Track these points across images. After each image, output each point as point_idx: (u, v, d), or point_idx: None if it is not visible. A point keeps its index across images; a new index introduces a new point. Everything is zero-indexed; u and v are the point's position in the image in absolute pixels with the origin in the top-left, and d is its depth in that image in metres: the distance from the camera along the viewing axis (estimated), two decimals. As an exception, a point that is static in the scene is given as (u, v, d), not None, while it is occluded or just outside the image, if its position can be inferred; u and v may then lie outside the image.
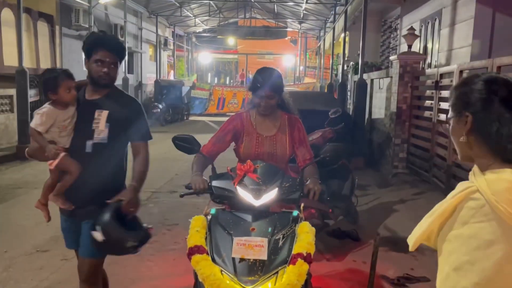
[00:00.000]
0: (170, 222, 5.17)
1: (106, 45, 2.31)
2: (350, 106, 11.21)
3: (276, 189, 2.12)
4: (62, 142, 2.33)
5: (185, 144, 2.38)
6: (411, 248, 1.32)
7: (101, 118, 2.32)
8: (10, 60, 9.61)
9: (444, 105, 5.69)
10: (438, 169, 5.93)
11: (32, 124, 2.31)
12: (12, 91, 9.29)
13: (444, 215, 1.21)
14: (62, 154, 2.30)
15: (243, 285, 1.81)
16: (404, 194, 6.26)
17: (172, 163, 9.19)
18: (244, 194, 2.09)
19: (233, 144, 2.65)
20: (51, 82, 2.32)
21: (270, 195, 2.10)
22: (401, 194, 6.25)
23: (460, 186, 1.20)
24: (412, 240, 1.33)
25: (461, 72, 5.37)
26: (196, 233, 2.02)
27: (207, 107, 21.82)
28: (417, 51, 8.89)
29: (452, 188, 4.44)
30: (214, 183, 2.20)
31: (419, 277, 3.73)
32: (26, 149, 2.40)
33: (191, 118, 20.33)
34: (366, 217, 5.39)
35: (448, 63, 7.48)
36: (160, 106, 17.09)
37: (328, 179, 4.60)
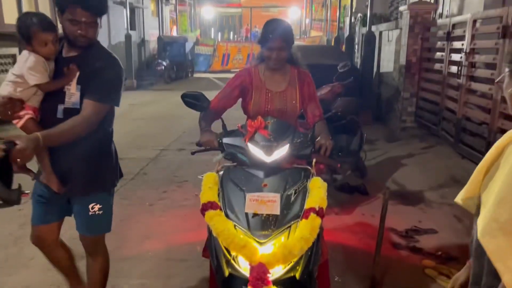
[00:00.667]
0: (179, 179, 5.23)
1: (80, 2, 1.91)
2: (357, 60, 10.97)
3: (288, 145, 2.10)
4: (33, 101, 2.03)
5: (194, 101, 2.33)
6: (460, 202, 1.43)
7: (73, 79, 2.02)
8: (11, 18, 9.41)
9: (456, 57, 5.55)
10: (448, 122, 5.87)
11: (34, 81, 1.97)
12: (15, 50, 9.15)
13: (491, 158, 1.29)
14: (28, 116, 2.00)
15: (256, 239, 1.84)
16: (412, 148, 6.24)
17: (179, 121, 9.18)
18: (256, 151, 2.07)
19: (240, 100, 2.61)
20: (23, 31, 1.99)
21: (282, 151, 2.08)
22: (410, 148, 6.24)
23: (508, 133, 1.29)
24: (460, 195, 1.42)
25: (474, 21, 5.18)
26: (209, 190, 2.03)
27: (211, 63, 21.50)
28: (428, 0, 8.57)
29: (462, 141, 4.47)
30: (225, 140, 2.18)
31: (426, 229, 3.79)
32: None
33: (196, 75, 20.10)
34: (375, 172, 5.42)
35: (460, 12, 7.21)
36: (164, 63, 16.84)
37: (336, 134, 4.57)
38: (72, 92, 2.02)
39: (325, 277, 2.58)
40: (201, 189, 2.02)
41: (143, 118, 9.45)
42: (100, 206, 2.21)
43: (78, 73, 2.02)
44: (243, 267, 1.85)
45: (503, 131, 4.37)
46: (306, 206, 1.94)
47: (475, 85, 5.06)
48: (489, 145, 4.54)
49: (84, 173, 2.15)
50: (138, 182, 5.14)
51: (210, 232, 2.08)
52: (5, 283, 2.94)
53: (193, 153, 2.27)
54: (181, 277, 3.05)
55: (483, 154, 4.74)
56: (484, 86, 4.82)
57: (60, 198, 2.16)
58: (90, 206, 2.19)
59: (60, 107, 2.02)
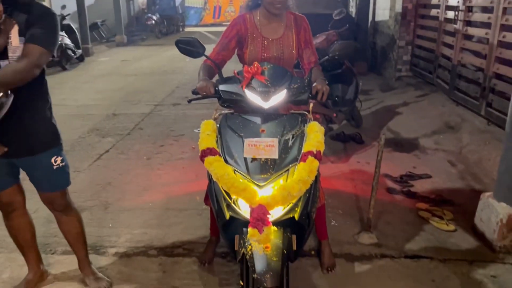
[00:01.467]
0: (176, 133, 5.24)
1: None
2: (352, 9, 10.71)
3: (285, 90, 2.10)
4: None
5: (189, 47, 2.27)
6: None
7: (13, 32, 1.94)
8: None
9: (453, 2, 5.42)
10: (443, 70, 5.83)
11: None
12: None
13: None
14: None
15: (256, 182, 1.87)
16: (407, 96, 6.24)
17: (172, 76, 9.08)
18: (253, 97, 2.07)
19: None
20: None
21: (279, 97, 2.08)
22: (405, 97, 6.24)
23: None
24: None
25: (473, -36, 5.02)
26: (207, 137, 2.04)
27: (202, 17, 20.95)
28: None
29: (457, 88, 4.48)
30: (222, 87, 2.16)
31: (421, 174, 3.86)
32: None
33: (187, 29, 19.65)
34: (370, 121, 5.45)
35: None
36: (154, 17, 16.42)
37: (332, 84, 4.55)
38: (15, 46, 1.95)
39: (322, 221, 2.66)
40: (198, 143, 2.03)
41: (135, 74, 9.32)
42: (61, 158, 2.21)
43: (16, 25, 1.95)
44: (244, 210, 1.90)
45: (498, 76, 4.37)
46: (303, 150, 1.96)
47: (471, 30, 4.99)
48: (484, 91, 4.56)
49: (42, 130, 2.14)
50: (134, 137, 5.15)
51: (210, 178, 2.12)
52: None
53: (189, 101, 2.25)
54: (182, 225, 3.13)
55: (478, 100, 4.77)
56: (481, 31, 4.75)
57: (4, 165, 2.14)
58: (53, 159, 2.17)
59: (4, 63, 1.96)
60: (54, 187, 2.24)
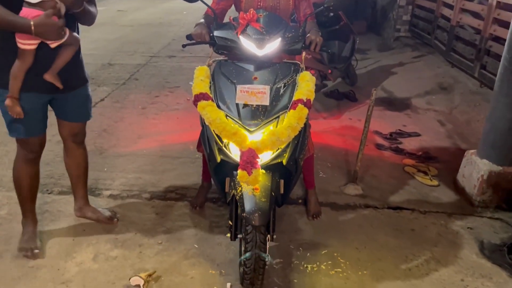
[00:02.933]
0: (171, 85, 5.25)
1: None
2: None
3: (279, 38, 2.13)
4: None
5: None
6: None
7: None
8: None
9: (456, -40, 5.32)
10: (442, 31, 5.80)
11: None
12: None
13: None
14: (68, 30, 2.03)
15: (246, 128, 1.94)
16: (404, 57, 6.24)
17: (168, 29, 8.94)
18: (247, 44, 2.10)
19: None
20: None
21: (273, 45, 2.11)
22: (401, 57, 6.24)
23: None
24: None
25: None
26: (201, 82, 2.08)
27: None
28: None
29: (454, 50, 4.50)
30: (217, 33, 2.18)
31: (410, 132, 3.95)
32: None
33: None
34: (365, 80, 5.47)
35: None
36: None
37: (329, 40, 4.54)
38: None
39: (310, 171, 2.76)
40: (192, 95, 2.07)
41: (131, 25, 9.16)
42: (89, 91, 2.39)
43: None
44: (234, 154, 1.98)
45: (494, 39, 4.38)
46: (294, 98, 2.02)
47: (472, -10, 4.95)
48: (479, 53, 4.58)
49: (80, 66, 2.28)
50: (129, 86, 5.16)
51: (202, 123, 2.18)
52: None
53: (184, 46, 2.27)
54: (175, 172, 3.22)
55: (472, 62, 4.80)
56: (481, -9, 4.72)
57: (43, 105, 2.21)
58: (88, 92, 2.37)
59: None
60: (84, 117, 2.40)
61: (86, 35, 7.86)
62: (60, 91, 2.15)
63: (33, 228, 2.45)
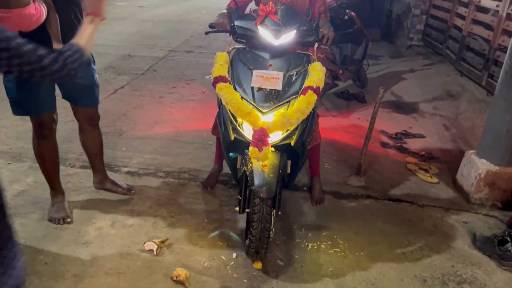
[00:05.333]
0: (188, 77, 5.45)
1: None
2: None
3: (295, 31, 2.31)
4: None
5: None
6: None
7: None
8: None
9: (471, -27, 5.46)
10: (453, 40, 5.94)
11: None
12: None
13: None
14: None
15: (260, 109, 2.13)
16: (415, 64, 6.38)
17: (187, 26, 9.17)
18: (265, 33, 2.29)
19: None
20: None
21: (289, 36, 2.30)
22: (412, 65, 6.38)
23: None
24: None
25: None
26: (220, 66, 2.28)
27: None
28: None
29: (463, 59, 4.69)
30: (237, 22, 2.38)
31: (415, 134, 4.10)
32: None
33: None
34: (375, 83, 5.60)
35: None
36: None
37: (342, 42, 4.72)
38: None
39: (316, 159, 2.93)
40: (208, 88, 2.26)
41: (151, 21, 9.42)
42: (95, 76, 2.49)
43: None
44: (247, 133, 2.17)
45: (502, 49, 4.52)
46: (305, 85, 2.20)
47: (484, 1, 5.07)
48: (487, 62, 4.72)
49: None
50: (148, 77, 5.38)
51: (219, 105, 2.38)
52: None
53: (206, 33, 2.47)
54: (189, 155, 3.42)
55: (481, 71, 4.92)
56: (493, 3, 4.85)
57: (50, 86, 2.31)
58: (95, 78, 2.47)
59: None
60: (92, 102, 2.54)
61: (107, 27, 8.21)
62: None
63: (62, 199, 2.63)
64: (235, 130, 2.20)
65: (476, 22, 5.29)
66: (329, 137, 3.88)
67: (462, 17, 5.62)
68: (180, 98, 4.70)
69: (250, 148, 2.06)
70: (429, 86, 5.41)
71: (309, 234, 2.58)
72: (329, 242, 2.52)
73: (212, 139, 3.50)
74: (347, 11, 4.89)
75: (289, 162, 2.25)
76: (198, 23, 9.56)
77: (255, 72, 2.21)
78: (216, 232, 2.54)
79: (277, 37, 2.27)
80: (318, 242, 2.51)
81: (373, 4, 8.12)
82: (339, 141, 3.90)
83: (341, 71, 4.66)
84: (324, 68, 2.28)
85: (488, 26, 4.95)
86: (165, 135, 3.76)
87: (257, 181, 2.05)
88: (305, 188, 3.07)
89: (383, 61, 6.83)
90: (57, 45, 2.13)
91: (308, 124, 2.24)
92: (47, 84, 2.26)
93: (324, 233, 2.60)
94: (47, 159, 2.54)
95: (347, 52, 4.78)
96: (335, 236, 2.58)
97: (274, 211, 2.17)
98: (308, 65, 2.32)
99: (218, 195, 2.93)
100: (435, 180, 3.30)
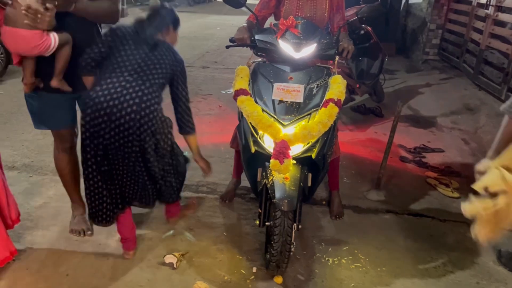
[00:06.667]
0: (204, 92, 5.50)
1: None
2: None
3: (315, 44, 2.32)
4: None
5: None
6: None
7: None
8: None
9: (487, -13, 5.46)
10: (470, 54, 5.91)
11: None
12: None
13: None
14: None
15: (281, 121, 2.13)
16: (431, 78, 6.34)
17: (202, 42, 9.30)
18: (286, 47, 2.30)
19: None
20: None
21: (309, 49, 2.31)
22: (429, 79, 6.34)
23: None
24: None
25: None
26: (241, 80, 2.29)
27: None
28: None
29: (482, 73, 4.68)
30: (258, 36, 2.40)
31: (434, 148, 4.05)
32: None
33: (219, -1, 19.73)
34: (391, 98, 5.59)
35: None
36: (188, -16, 16.56)
37: (358, 57, 4.72)
38: None
39: (335, 173, 2.92)
40: (224, 103, 2.27)
41: (167, 37, 9.57)
42: None
43: None
44: (268, 145, 2.16)
45: (522, 62, 4.47)
46: (326, 98, 2.20)
47: (502, 16, 5.05)
48: (507, 76, 4.67)
49: None
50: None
51: (240, 118, 2.39)
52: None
53: (227, 47, 2.50)
54: (207, 169, 3.41)
55: (500, 85, 4.90)
56: (510, 17, 4.83)
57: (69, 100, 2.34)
58: None
59: None
60: (70, 123, 2.46)
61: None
62: (81, 90, 2.23)
63: (83, 211, 2.65)
64: (256, 142, 2.19)
65: (494, 36, 5.26)
66: (347, 151, 3.86)
67: (479, 31, 5.60)
68: (196, 112, 4.72)
69: (271, 160, 2.05)
70: (447, 100, 5.37)
71: (329, 249, 2.55)
72: (350, 257, 2.49)
73: (229, 153, 3.51)
74: (363, 25, 4.91)
75: (309, 174, 2.24)
76: (213, 39, 9.69)
77: (276, 85, 2.22)
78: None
79: (297, 50, 2.28)
80: (338, 257, 2.48)
81: (388, 19, 8.14)
82: (357, 155, 3.87)
83: (358, 85, 4.66)
84: (345, 81, 2.28)
85: (506, 40, 4.91)
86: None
87: (278, 194, 2.04)
88: (323, 202, 3.05)
89: (399, 76, 6.81)
90: (55, 82, 2.17)
91: (329, 136, 2.23)
92: (67, 99, 2.30)
93: (344, 248, 2.57)
94: (68, 172, 2.56)
95: (363, 67, 4.78)
96: (355, 251, 2.54)
97: (295, 224, 2.15)
98: (328, 78, 2.32)
99: (236, 208, 2.92)
100: (456, 194, 3.25)
